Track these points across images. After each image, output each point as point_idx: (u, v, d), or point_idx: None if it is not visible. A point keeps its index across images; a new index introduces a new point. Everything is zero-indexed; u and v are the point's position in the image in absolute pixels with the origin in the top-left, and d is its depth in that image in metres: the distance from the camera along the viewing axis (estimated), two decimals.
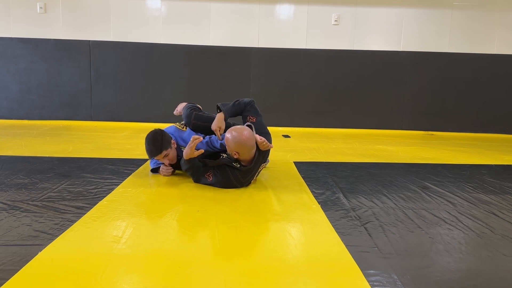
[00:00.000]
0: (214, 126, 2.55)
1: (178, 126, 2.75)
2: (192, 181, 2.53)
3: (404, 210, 2.14)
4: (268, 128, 2.62)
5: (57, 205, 2.03)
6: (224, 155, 2.48)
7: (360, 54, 5.37)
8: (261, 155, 2.45)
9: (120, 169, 2.82)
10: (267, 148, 2.45)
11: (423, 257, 1.59)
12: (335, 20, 5.32)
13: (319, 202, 2.22)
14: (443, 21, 5.36)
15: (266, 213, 2.06)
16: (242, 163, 2.40)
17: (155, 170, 2.75)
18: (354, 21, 5.34)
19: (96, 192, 2.28)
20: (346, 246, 1.64)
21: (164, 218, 1.92)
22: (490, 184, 2.73)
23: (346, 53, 5.36)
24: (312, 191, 2.43)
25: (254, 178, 2.54)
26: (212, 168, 2.45)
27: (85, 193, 2.26)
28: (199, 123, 2.70)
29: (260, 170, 2.58)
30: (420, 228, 1.89)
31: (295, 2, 5.30)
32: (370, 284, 1.35)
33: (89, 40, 5.25)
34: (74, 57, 5.27)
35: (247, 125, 2.49)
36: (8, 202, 2.05)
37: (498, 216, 2.09)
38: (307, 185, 2.58)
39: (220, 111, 2.60)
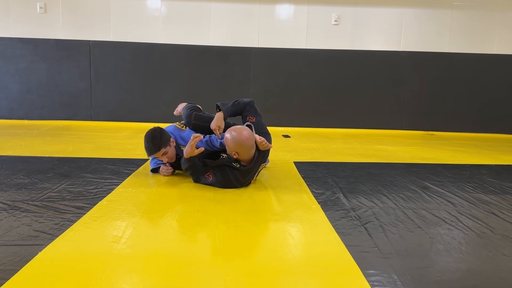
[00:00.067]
0: (213, 125, 2.55)
1: (177, 125, 2.75)
2: (192, 181, 2.53)
3: (404, 210, 2.14)
4: (268, 128, 2.62)
5: (57, 205, 2.03)
6: (224, 155, 2.48)
7: (360, 54, 5.37)
8: (261, 155, 2.45)
9: (120, 169, 2.82)
10: (266, 148, 2.45)
11: (423, 257, 1.59)
12: (335, 20, 5.32)
13: (319, 202, 2.22)
14: (443, 21, 5.36)
15: (266, 213, 2.05)
16: (242, 163, 2.40)
17: (155, 170, 2.75)
18: (354, 21, 5.34)
19: (96, 192, 2.28)
20: (346, 246, 1.64)
21: (164, 218, 1.91)
22: (490, 184, 2.73)
23: (346, 53, 5.36)
24: (312, 191, 2.43)
25: (254, 178, 2.54)
26: (212, 168, 2.45)
27: (85, 193, 2.26)
28: (199, 123, 2.70)
29: (260, 170, 2.58)
30: (420, 228, 1.89)
31: (295, 2, 5.30)
32: (370, 284, 1.35)
33: (89, 40, 5.25)
34: (74, 57, 5.27)
35: (247, 125, 2.49)
36: (8, 202, 2.05)
37: (498, 216, 2.09)
38: (307, 185, 2.58)
39: (220, 110, 2.61)
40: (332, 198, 2.31)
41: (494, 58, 5.39)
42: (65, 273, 1.37)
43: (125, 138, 4.25)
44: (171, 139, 2.57)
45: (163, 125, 2.67)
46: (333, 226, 1.86)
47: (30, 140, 3.96)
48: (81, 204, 2.05)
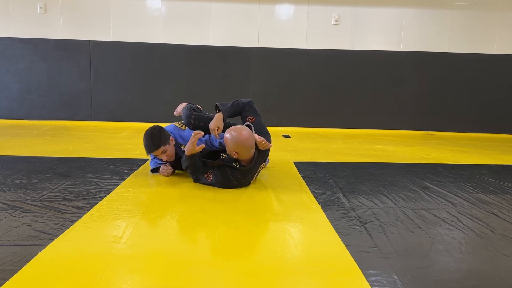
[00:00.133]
0: (212, 125, 2.54)
1: (177, 125, 2.75)
2: (192, 181, 2.53)
3: (404, 210, 2.14)
4: (268, 128, 2.61)
5: (57, 205, 2.03)
6: (224, 155, 2.48)
7: (360, 54, 5.37)
8: (261, 155, 2.45)
9: (120, 169, 2.82)
10: (266, 148, 2.45)
11: (423, 257, 1.59)
12: (335, 20, 5.32)
13: (319, 202, 2.22)
14: (443, 21, 5.36)
15: (266, 213, 2.06)
16: (242, 163, 2.40)
17: (155, 170, 2.75)
18: (354, 21, 5.34)
19: (96, 192, 2.28)
20: (346, 246, 1.64)
21: (164, 218, 1.91)
22: (490, 184, 2.73)
23: (346, 53, 5.36)
24: (312, 191, 2.43)
25: (254, 178, 2.54)
26: (212, 168, 2.45)
27: (85, 193, 2.26)
28: (199, 124, 2.70)
29: (260, 170, 2.58)
30: (420, 228, 1.89)
31: (295, 2, 5.30)
32: (370, 284, 1.35)
33: (89, 40, 5.25)
34: (74, 57, 5.27)
35: (246, 125, 2.49)
36: (8, 202, 2.05)
37: (498, 216, 2.09)
38: (307, 185, 2.58)
39: (219, 111, 2.61)
40: (332, 198, 2.31)
41: (494, 58, 5.39)
42: (65, 273, 1.37)
43: (125, 138, 4.25)
44: (171, 138, 2.57)
45: (163, 125, 2.67)
46: (333, 226, 1.86)
47: (30, 140, 3.96)
48: (81, 204, 2.05)
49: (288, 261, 1.52)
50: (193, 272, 1.40)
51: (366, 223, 1.92)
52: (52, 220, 1.82)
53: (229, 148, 2.35)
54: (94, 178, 2.55)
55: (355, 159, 3.52)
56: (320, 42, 5.36)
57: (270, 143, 2.49)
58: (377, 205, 2.20)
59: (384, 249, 1.63)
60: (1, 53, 5.21)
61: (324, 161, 3.39)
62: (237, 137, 2.31)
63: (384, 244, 1.68)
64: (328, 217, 1.98)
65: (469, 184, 2.72)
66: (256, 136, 2.40)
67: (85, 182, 2.46)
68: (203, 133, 2.41)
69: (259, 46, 5.34)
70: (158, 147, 2.49)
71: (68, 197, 2.17)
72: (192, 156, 2.43)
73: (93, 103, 5.35)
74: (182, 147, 2.58)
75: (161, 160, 2.69)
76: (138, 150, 3.46)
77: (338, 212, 2.06)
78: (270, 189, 2.47)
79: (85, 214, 1.92)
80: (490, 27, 5.36)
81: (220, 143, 2.50)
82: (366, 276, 1.40)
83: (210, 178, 2.43)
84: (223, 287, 1.30)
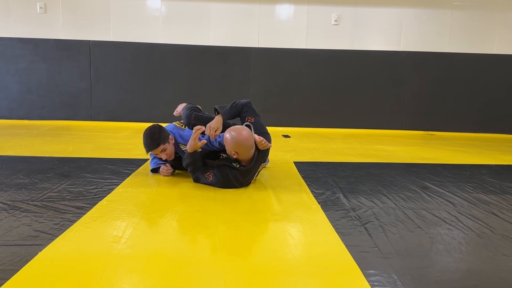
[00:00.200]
0: (211, 124, 2.53)
1: (177, 124, 2.75)
2: (192, 180, 2.53)
3: (404, 210, 2.14)
4: (268, 128, 2.61)
5: (57, 205, 2.03)
6: (224, 155, 2.48)
7: (360, 54, 5.37)
8: (261, 155, 2.45)
9: (120, 169, 2.82)
10: (266, 148, 2.45)
11: (423, 257, 1.59)
12: (335, 20, 5.32)
13: (319, 202, 2.22)
14: (443, 21, 5.36)
15: (266, 213, 2.06)
16: (242, 163, 2.40)
17: (155, 170, 2.75)
18: (354, 21, 5.34)
19: (96, 192, 2.28)
20: (346, 246, 1.64)
21: (164, 218, 1.91)
22: (490, 184, 2.73)
23: (346, 53, 5.36)
24: (312, 191, 2.43)
25: (254, 178, 2.54)
26: (212, 168, 2.46)
27: (85, 193, 2.26)
28: (199, 124, 2.69)
29: (260, 170, 2.58)
30: (420, 228, 1.89)
31: (295, 2, 5.30)
32: (370, 284, 1.35)
33: (89, 40, 5.25)
34: (74, 57, 5.27)
35: (246, 125, 2.49)
36: (8, 202, 2.05)
37: (498, 216, 2.09)
38: (307, 185, 2.58)
39: (218, 113, 2.60)
40: (332, 198, 2.31)
41: (494, 58, 5.39)
42: (65, 273, 1.37)
43: (125, 138, 4.25)
44: (170, 137, 2.57)
45: (163, 125, 2.67)
46: (333, 226, 1.86)
47: (30, 140, 3.96)
48: (81, 204, 2.05)
49: (288, 261, 1.52)
50: (193, 272, 1.40)
51: (366, 223, 1.92)
52: (52, 220, 1.82)
53: (229, 148, 2.35)
54: (94, 178, 2.55)
55: (355, 159, 3.52)
56: (320, 42, 5.36)
57: (270, 143, 2.49)
58: (377, 205, 2.20)
59: (384, 249, 1.63)
60: (1, 53, 5.21)
61: (324, 161, 3.39)
62: (236, 137, 2.31)
63: (384, 244, 1.68)
64: (328, 217, 1.98)
65: (469, 184, 2.72)
66: (256, 136, 2.40)
67: (85, 182, 2.46)
68: (204, 128, 2.41)
69: (259, 46, 5.34)
70: (158, 146, 2.49)
71: (68, 197, 2.17)
72: (194, 153, 2.44)
73: (93, 103, 5.35)
74: (182, 147, 2.58)
75: (161, 159, 2.70)
76: (138, 150, 3.46)
77: (338, 212, 2.06)
78: (270, 189, 2.47)
79: (85, 214, 1.92)
80: (490, 27, 5.36)
81: (220, 143, 2.50)
82: (366, 276, 1.40)
83: (210, 178, 2.43)
84: (223, 287, 1.30)
